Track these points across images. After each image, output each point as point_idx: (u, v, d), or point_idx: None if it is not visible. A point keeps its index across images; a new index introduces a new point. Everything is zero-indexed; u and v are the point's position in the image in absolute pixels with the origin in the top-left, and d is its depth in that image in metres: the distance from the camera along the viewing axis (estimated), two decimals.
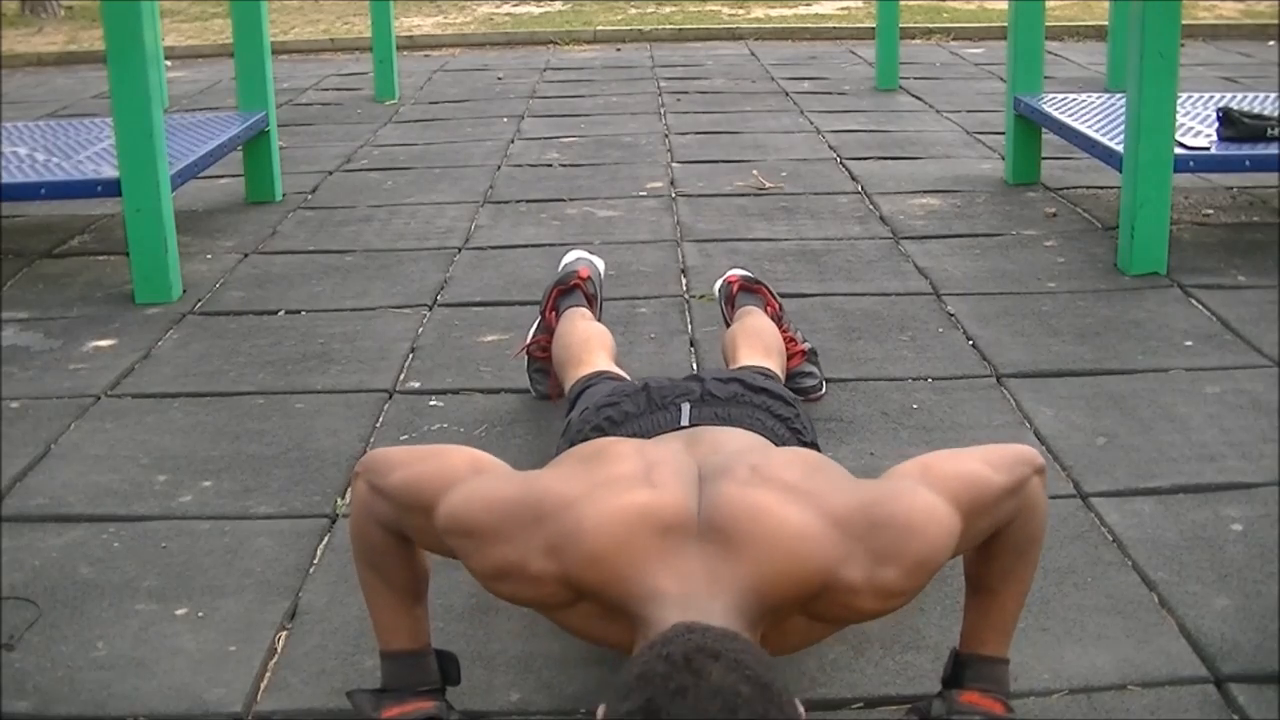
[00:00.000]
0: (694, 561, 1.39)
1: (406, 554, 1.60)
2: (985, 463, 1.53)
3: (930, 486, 1.48)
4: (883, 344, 2.97)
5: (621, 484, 1.46)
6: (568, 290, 2.66)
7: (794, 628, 1.47)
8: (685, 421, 1.82)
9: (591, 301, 2.68)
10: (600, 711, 1.22)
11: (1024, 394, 2.68)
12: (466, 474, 1.53)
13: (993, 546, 1.56)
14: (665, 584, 1.38)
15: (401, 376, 2.85)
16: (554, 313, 2.62)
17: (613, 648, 1.51)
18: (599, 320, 2.65)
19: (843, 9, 10.27)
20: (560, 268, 2.83)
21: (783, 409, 1.90)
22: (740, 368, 2.27)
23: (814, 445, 1.93)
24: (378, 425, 2.60)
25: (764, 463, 1.51)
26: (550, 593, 1.44)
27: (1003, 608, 1.61)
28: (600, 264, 2.88)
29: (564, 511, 1.43)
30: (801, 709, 1.23)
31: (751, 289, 2.71)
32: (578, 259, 2.83)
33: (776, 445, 1.81)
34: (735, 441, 1.72)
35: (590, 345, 2.40)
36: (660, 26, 9.54)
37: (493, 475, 1.54)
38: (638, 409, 1.87)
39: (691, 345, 3.00)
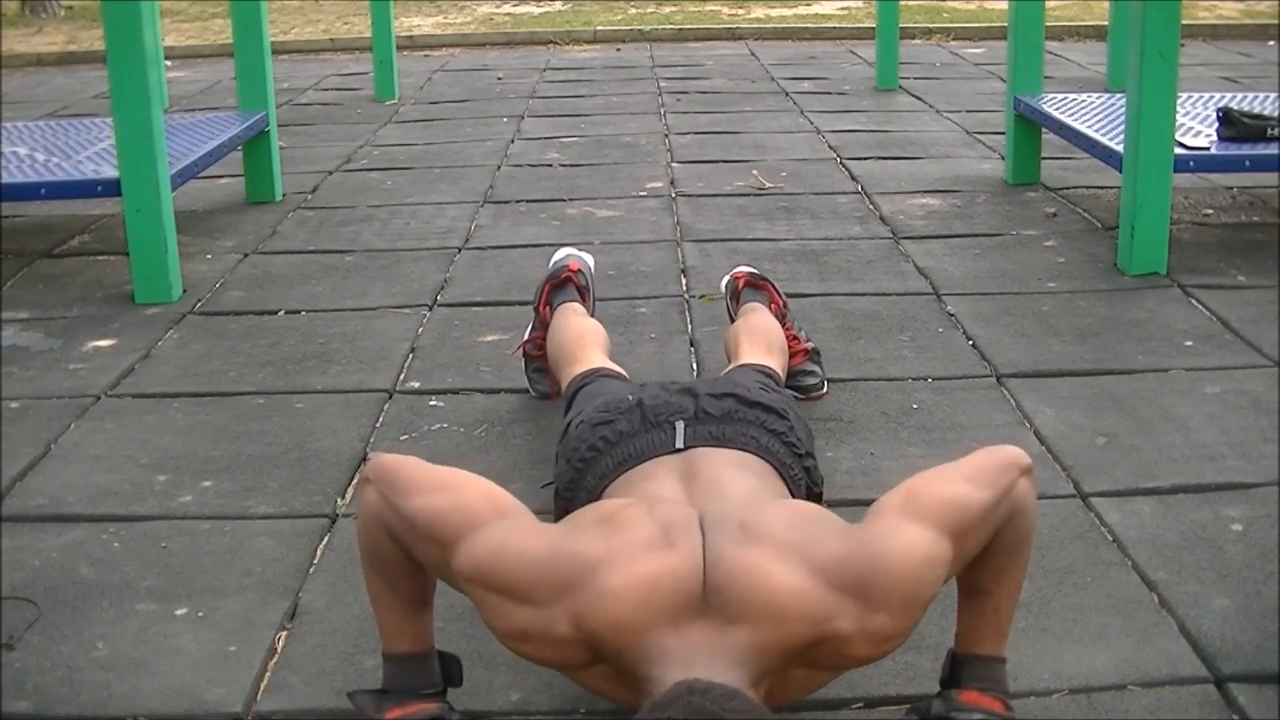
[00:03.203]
0: (699, 625, 1.41)
1: (414, 562, 1.59)
2: (969, 479, 1.53)
3: (915, 517, 1.48)
4: (883, 344, 2.97)
5: (641, 548, 1.46)
6: (560, 284, 2.67)
7: (796, 679, 1.49)
8: (680, 443, 1.82)
9: (584, 294, 2.69)
10: None
11: (1024, 394, 2.68)
12: (489, 516, 1.52)
13: (984, 550, 1.56)
14: (671, 644, 1.40)
15: (401, 376, 2.85)
16: (548, 307, 2.63)
17: (625, 706, 1.52)
18: (592, 313, 2.66)
19: (843, 9, 10.27)
20: (550, 264, 2.84)
21: (776, 423, 1.89)
22: (741, 366, 2.28)
23: (809, 455, 1.93)
24: (378, 425, 2.60)
25: (753, 518, 1.51)
26: (570, 654, 1.46)
27: (997, 608, 1.61)
28: (590, 259, 2.88)
29: (589, 577, 1.44)
30: None
31: (757, 285, 2.73)
32: (567, 254, 2.84)
33: (771, 463, 1.83)
34: (731, 482, 1.72)
35: (584, 341, 2.41)
36: (660, 26, 9.54)
37: (515, 524, 1.52)
38: (631, 428, 1.86)
39: (691, 345, 3.00)
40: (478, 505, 1.53)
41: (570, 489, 1.86)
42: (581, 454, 1.87)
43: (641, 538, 1.48)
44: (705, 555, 1.46)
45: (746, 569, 1.43)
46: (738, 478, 1.74)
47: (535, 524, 1.55)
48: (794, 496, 1.83)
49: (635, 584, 1.42)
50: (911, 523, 1.47)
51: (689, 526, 1.51)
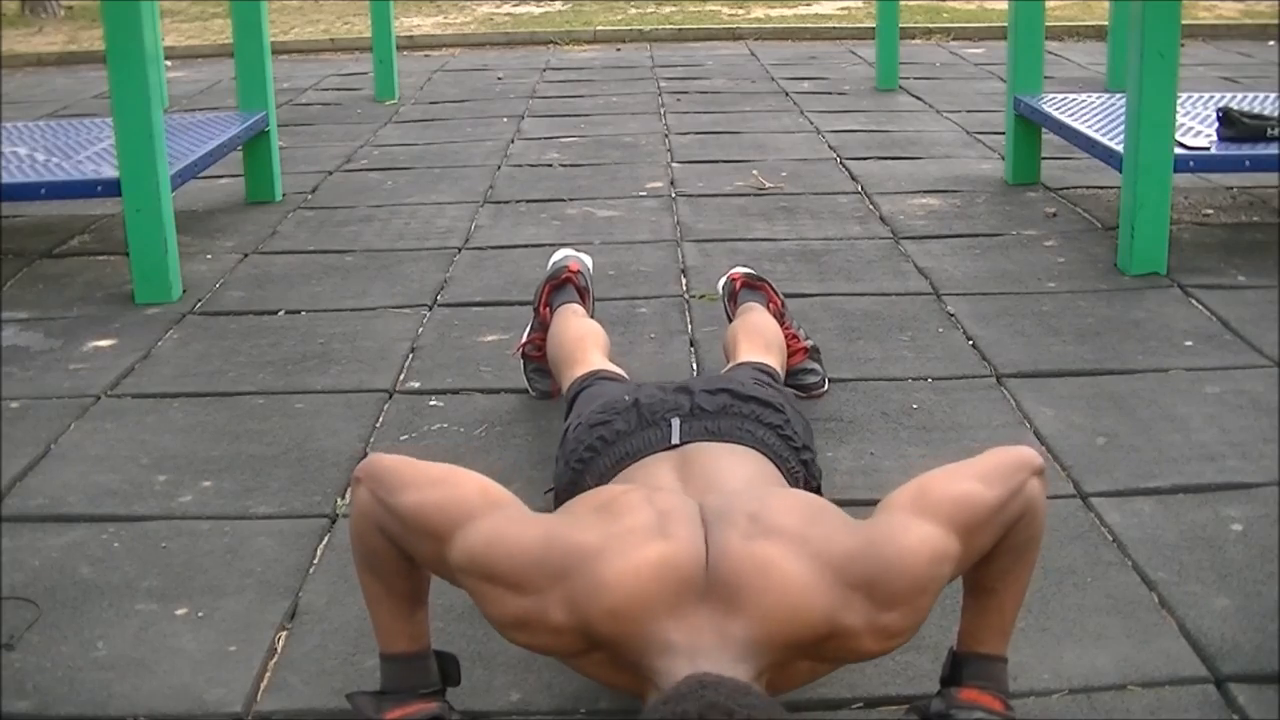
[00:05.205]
0: (702, 614, 1.41)
1: (409, 561, 1.59)
2: (979, 478, 1.54)
3: (924, 514, 1.48)
4: (883, 344, 2.97)
5: (637, 536, 1.46)
6: (560, 285, 2.67)
7: (798, 670, 1.49)
8: (676, 439, 1.83)
9: (584, 295, 2.69)
10: None
11: (1024, 394, 2.68)
12: (481, 508, 1.52)
13: (992, 549, 1.56)
14: (675, 636, 1.40)
15: (401, 376, 2.85)
16: (548, 308, 2.63)
17: (623, 691, 1.52)
18: (591, 314, 2.66)
19: (843, 9, 10.27)
20: (549, 265, 2.84)
21: (772, 416, 1.89)
22: (738, 365, 2.28)
23: (806, 448, 1.93)
24: (378, 425, 2.60)
25: (761, 510, 1.51)
26: (567, 642, 1.46)
27: (1001, 607, 1.61)
28: (589, 260, 2.88)
29: (585, 564, 1.43)
30: None
31: (754, 286, 2.73)
32: (565, 255, 2.84)
33: (768, 456, 1.83)
34: (729, 473, 1.73)
35: (585, 343, 2.41)
36: (660, 26, 9.54)
37: (508, 514, 1.53)
38: (628, 426, 1.87)
39: (691, 345, 3.00)
40: (471, 497, 1.53)
41: (569, 490, 1.86)
42: (579, 455, 1.87)
43: (639, 525, 1.48)
44: (708, 546, 1.45)
45: (757, 563, 1.42)
46: (734, 470, 1.75)
47: (530, 513, 1.55)
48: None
49: (632, 573, 1.41)
50: (921, 520, 1.48)
51: (690, 516, 1.51)
